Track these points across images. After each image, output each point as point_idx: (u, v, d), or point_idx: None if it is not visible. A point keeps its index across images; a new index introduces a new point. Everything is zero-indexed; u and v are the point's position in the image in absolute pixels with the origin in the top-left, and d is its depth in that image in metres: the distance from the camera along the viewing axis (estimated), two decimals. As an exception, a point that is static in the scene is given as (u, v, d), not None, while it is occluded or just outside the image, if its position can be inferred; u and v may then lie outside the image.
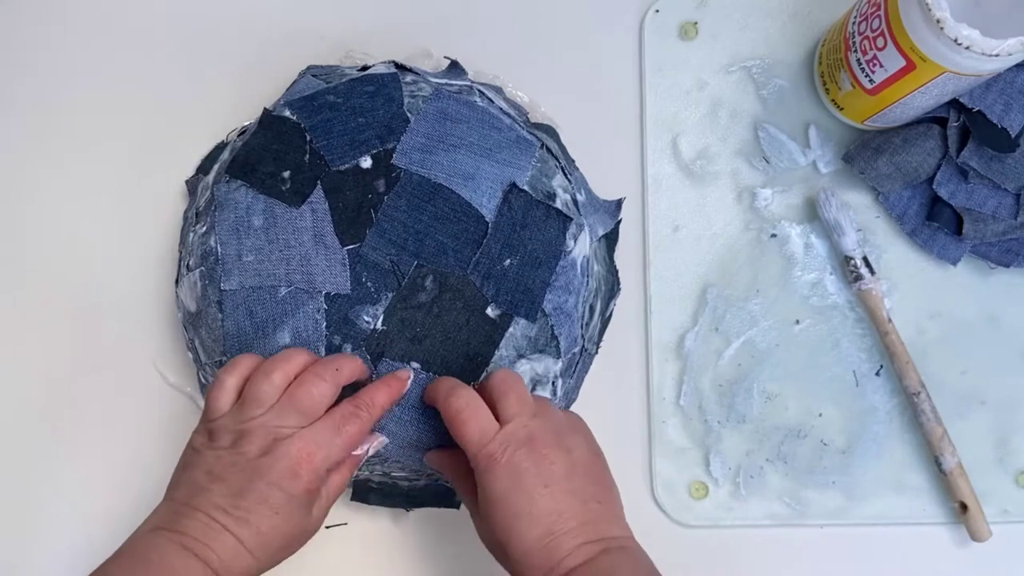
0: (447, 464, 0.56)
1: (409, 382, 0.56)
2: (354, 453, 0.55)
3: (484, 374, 0.58)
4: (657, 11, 0.70)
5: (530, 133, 0.62)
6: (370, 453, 0.56)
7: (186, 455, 0.53)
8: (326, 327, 0.56)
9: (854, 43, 0.62)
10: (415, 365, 0.57)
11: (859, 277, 0.66)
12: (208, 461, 0.51)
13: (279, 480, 0.49)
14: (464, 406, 0.52)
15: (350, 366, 0.54)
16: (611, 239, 0.66)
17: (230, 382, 0.53)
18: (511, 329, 0.58)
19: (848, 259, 0.67)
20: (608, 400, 0.67)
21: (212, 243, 0.58)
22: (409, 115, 0.59)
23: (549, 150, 0.63)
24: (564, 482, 0.50)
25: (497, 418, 0.52)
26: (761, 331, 0.68)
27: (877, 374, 0.68)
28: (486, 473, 0.50)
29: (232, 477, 0.50)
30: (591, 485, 0.52)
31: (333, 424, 0.52)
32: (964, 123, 0.64)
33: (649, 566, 0.51)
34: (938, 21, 0.53)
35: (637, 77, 0.70)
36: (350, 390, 0.54)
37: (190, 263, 0.60)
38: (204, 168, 0.66)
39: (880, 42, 0.59)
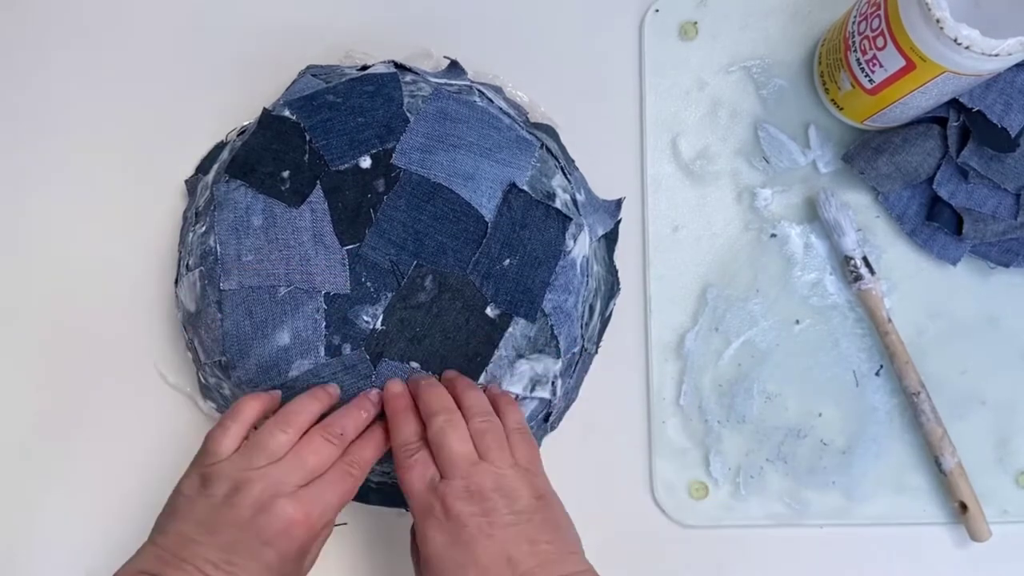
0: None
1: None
2: None
3: (483, 374, 0.58)
4: (657, 11, 0.70)
5: (530, 133, 0.62)
6: None
7: (175, 501, 0.50)
8: (325, 327, 0.56)
9: (854, 43, 0.62)
10: (414, 365, 0.57)
11: (859, 277, 0.66)
12: (200, 511, 0.49)
13: (274, 539, 0.48)
14: (412, 451, 0.52)
15: (355, 423, 0.54)
16: (611, 239, 0.66)
17: (235, 428, 0.51)
18: (510, 329, 0.58)
19: (848, 259, 0.67)
20: (608, 400, 0.67)
21: (211, 243, 0.58)
22: (409, 115, 0.59)
23: (549, 150, 0.63)
24: (510, 529, 0.49)
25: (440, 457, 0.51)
26: (761, 331, 0.68)
27: (877, 374, 0.68)
28: (426, 528, 0.50)
29: (225, 530, 0.48)
30: (537, 529, 0.50)
31: (330, 485, 0.51)
32: (964, 123, 0.64)
33: None
34: (938, 21, 0.53)
35: (637, 77, 0.70)
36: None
37: (190, 263, 0.60)
38: (204, 168, 0.66)
39: (880, 42, 0.59)
